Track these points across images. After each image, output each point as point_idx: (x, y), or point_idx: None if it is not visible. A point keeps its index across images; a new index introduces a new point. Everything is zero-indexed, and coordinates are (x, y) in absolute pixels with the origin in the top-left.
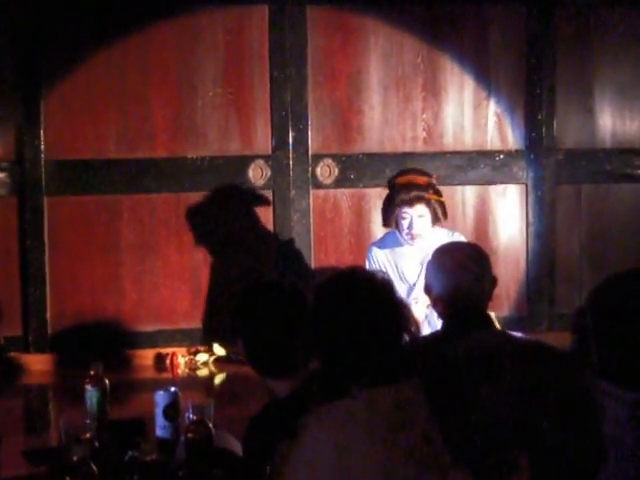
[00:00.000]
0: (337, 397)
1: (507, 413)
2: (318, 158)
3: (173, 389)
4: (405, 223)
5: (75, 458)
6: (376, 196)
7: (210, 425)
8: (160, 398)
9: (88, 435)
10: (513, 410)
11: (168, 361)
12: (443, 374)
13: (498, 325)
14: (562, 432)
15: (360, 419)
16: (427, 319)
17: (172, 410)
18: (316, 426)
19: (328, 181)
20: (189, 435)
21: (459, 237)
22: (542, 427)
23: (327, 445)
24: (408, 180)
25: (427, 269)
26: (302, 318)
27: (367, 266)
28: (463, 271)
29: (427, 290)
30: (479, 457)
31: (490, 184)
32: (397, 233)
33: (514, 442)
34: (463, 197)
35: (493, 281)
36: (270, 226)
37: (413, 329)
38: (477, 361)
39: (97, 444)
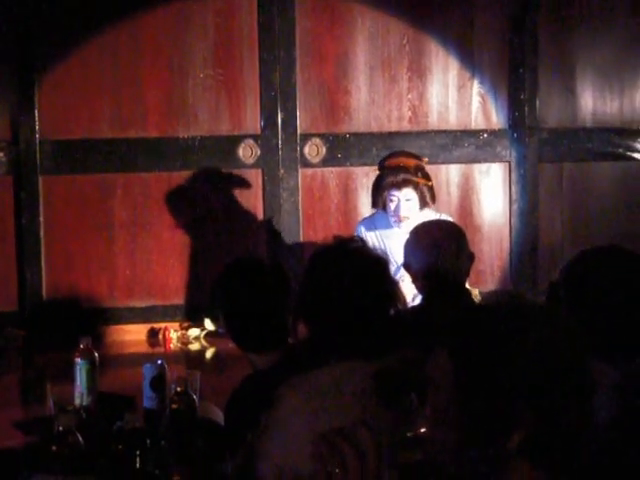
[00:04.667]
0: (315, 367)
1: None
2: (306, 137)
3: (159, 362)
4: (392, 205)
5: (61, 428)
6: (363, 175)
7: (194, 396)
8: (147, 370)
9: (75, 406)
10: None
11: (161, 336)
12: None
13: (477, 300)
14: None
15: (333, 389)
16: (414, 298)
17: (158, 382)
18: (290, 395)
19: (316, 160)
20: (173, 406)
21: (446, 218)
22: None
23: (301, 414)
24: (397, 163)
25: (405, 247)
26: (281, 294)
27: None
28: (440, 248)
29: (406, 267)
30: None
31: (474, 162)
32: (386, 213)
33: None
34: (447, 176)
35: (470, 257)
36: (260, 204)
37: (400, 306)
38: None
39: (84, 415)
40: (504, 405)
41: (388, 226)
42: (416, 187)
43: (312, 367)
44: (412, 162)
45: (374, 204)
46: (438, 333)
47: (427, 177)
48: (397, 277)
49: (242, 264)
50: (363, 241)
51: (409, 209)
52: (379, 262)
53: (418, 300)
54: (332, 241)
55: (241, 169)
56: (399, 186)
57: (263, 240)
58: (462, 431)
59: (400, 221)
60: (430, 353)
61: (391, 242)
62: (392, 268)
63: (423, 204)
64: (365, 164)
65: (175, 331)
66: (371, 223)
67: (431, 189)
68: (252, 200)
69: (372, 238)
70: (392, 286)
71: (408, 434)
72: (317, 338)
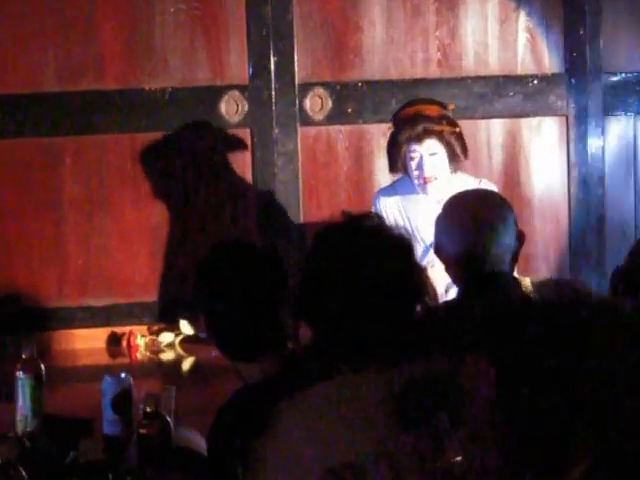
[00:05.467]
0: (321, 379)
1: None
2: (307, 88)
3: (123, 375)
4: (414, 164)
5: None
6: (379, 134)
7: (168, 419)
8: (108, 386)
9: (17, 433)
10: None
11: (124, 342)
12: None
13: (528, 292)
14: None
15: (344, 406)
16: (447, 290)
17: (122, 401)
18: (290, 414)
19: (320, 116)
20: (141, 431)
21: (488, 186)
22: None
23: (303, 436)
24: (415, 111)
25: (437, 223)
26: (278, 286)
27: None
28: (480, 225)
29: (437, 250)
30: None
31: (522, 117)
32: (409, 179)
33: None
34: (488, 133)
35: (519, 237)
36: (249, 172)
37: (429, 300)
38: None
39: (28, 443)
40: (560, 428)
41: (414, 194)
42: (441, 137)
43: (317, 379)
44: (433, 109)
45: (392, 168)
46: (477, 335)
47: (453, 123)
48: (425, 262)
49: (228, 249)
50: (380, 218)
51: (435, 166)
52: (402, 243)
53: (453, 293)
54: (340, 218)
55: (224, 128)
56: (419, 138)
57: (253, 219)
58: (505, 460)
59: (426, 183)
60: (466, 360)
61: (418, 216)
62: (418, 251)
63: (453, 158)
64: (382, 120)
65: (143, 336)
66: (392, 192)
67: (460, 138)
68: (239, 168)
69: (393, 212)
70: (418, 274)
71: (438, 464)
72: (323, 342)
